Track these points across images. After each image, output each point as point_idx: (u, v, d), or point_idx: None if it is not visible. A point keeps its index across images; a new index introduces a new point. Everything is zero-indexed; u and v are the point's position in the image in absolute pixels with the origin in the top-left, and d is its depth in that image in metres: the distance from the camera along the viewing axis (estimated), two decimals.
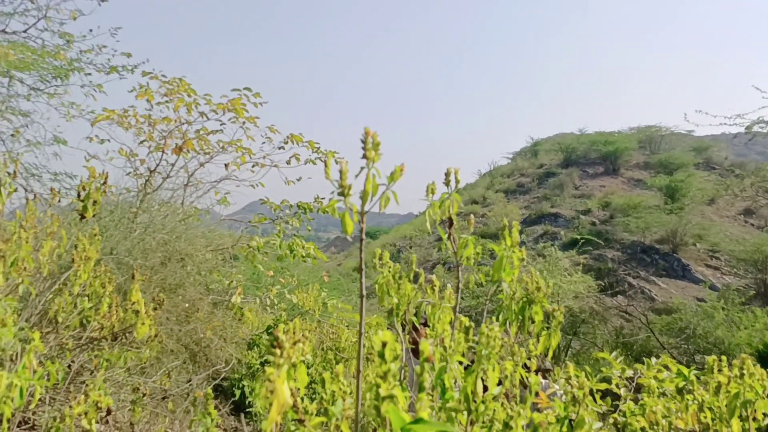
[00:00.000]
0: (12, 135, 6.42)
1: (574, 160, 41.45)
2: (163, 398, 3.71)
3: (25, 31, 6.25)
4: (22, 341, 2.14)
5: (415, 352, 3.20)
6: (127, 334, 2.99)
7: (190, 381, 4.31)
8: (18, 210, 3.04)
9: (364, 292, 1.22)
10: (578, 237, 21.00)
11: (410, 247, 35.46)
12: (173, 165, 6.08)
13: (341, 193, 1.05)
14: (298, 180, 6.95)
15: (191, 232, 5.28)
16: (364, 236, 1.14)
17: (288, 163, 6.71)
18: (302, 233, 6.73)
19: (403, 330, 1.94)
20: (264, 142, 6.63)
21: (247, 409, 5.49)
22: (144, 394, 3.24)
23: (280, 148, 6.67)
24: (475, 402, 1.13)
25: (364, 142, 1.04)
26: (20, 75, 6.40)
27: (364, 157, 1.05)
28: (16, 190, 2.81)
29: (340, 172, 1.05)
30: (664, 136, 42.28)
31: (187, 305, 4.94)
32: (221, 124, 6.32)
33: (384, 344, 0.82)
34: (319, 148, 6.70)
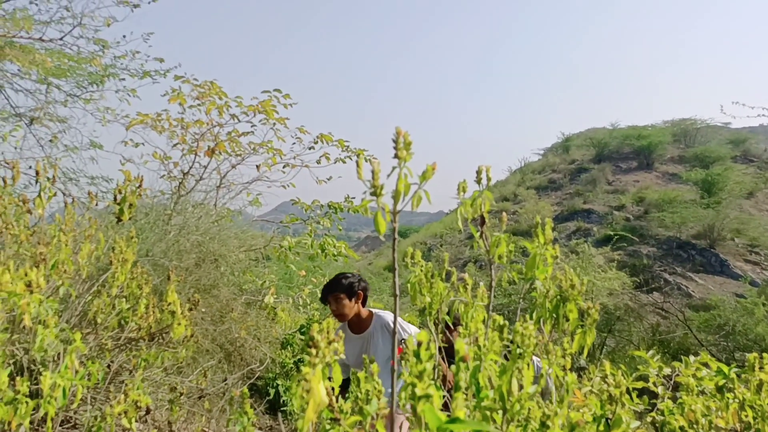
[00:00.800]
0: (50, 141, 6.60)
1: (606, 155, 40.73)
2: (200, 397, 3.76)
3: (61, 39, 6.40)
4: (64, 342, 2.19)
5: (449, 351, 3.17)
6: (163, 335, 3.04)
7: (225, 380, 4.36)
8: (57, 214, 3.11)
9: (398, 291, 1.22)
10: (612, 233, 20.68)
11: (441, 246, 35.30)
12: (206, 167, 6.16)
13: (374, 193, 1.05)
14: (328, 179, 6.99)
15: (224, 233, 5.34)
16: (396, 235, 1.14)
17: (318, 162, 6.75)
18: (333, 233, 6.76)
19: (436, 329, 1.93)
20: (294, 143, 6.68)
21: (282, 408, 5.54)
22: (181, 394, 3.29)
23: (310, 148, 6.71)
24: (510, 401, 1.13)
25: (395, 141, 1.04)
26: (57, 82, 6.57)
27: (396, 156, 1.05)
28: (55, 194, 2.87)
29: (373, 172, 1.05)
30: (700, 129, 41.18)
31: (221, 305, 5.00)
32: (252, 126, 6.38)
33: (419, 344, 0.82)
34: (348, 147, 6.73)
